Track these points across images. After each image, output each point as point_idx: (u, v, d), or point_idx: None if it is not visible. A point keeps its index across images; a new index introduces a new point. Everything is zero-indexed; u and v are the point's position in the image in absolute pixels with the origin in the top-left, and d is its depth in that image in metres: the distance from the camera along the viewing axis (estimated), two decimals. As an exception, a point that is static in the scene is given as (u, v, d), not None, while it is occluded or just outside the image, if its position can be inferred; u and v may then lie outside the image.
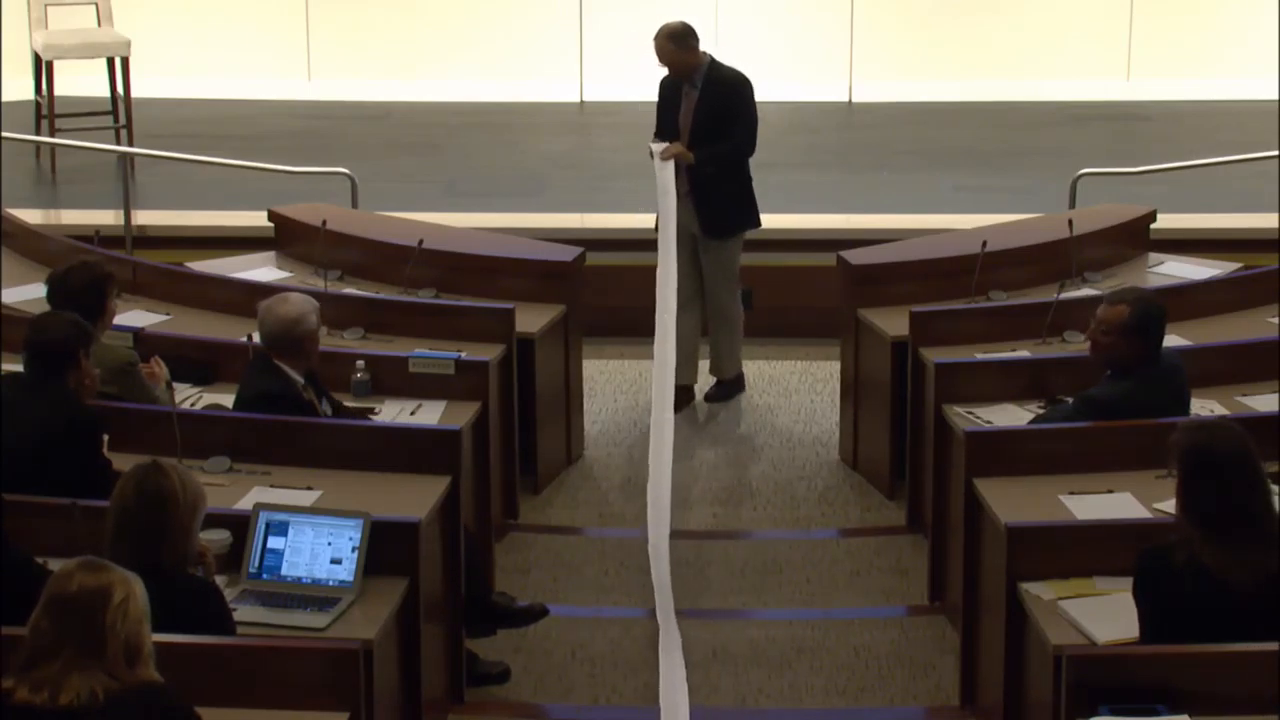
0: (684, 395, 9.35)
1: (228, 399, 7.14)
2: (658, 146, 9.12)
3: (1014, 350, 7.90)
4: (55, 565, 4.51)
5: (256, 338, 7.00)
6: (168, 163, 11.44)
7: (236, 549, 5.87)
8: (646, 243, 9.87)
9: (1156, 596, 5.14)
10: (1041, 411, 7.15)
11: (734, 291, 9.48)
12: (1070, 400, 6.98)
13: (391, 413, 7.39)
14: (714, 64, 9.20)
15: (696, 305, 9.33)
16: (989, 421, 7.17)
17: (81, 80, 12.38)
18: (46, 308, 6.87)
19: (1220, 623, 5.06)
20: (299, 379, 6.86)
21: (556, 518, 8.40)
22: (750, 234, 9.52)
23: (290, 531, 5.87)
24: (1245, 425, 5.37)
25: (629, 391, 9.74)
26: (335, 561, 5.82)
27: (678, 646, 6.30)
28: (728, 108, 9.16)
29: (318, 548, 5.84)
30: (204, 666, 5.09)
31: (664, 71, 9.25)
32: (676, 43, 9.11)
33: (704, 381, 9.67)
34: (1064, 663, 5.23)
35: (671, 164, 9.05)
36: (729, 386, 9.65)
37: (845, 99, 13.93)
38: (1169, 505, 5.59)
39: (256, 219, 9.69)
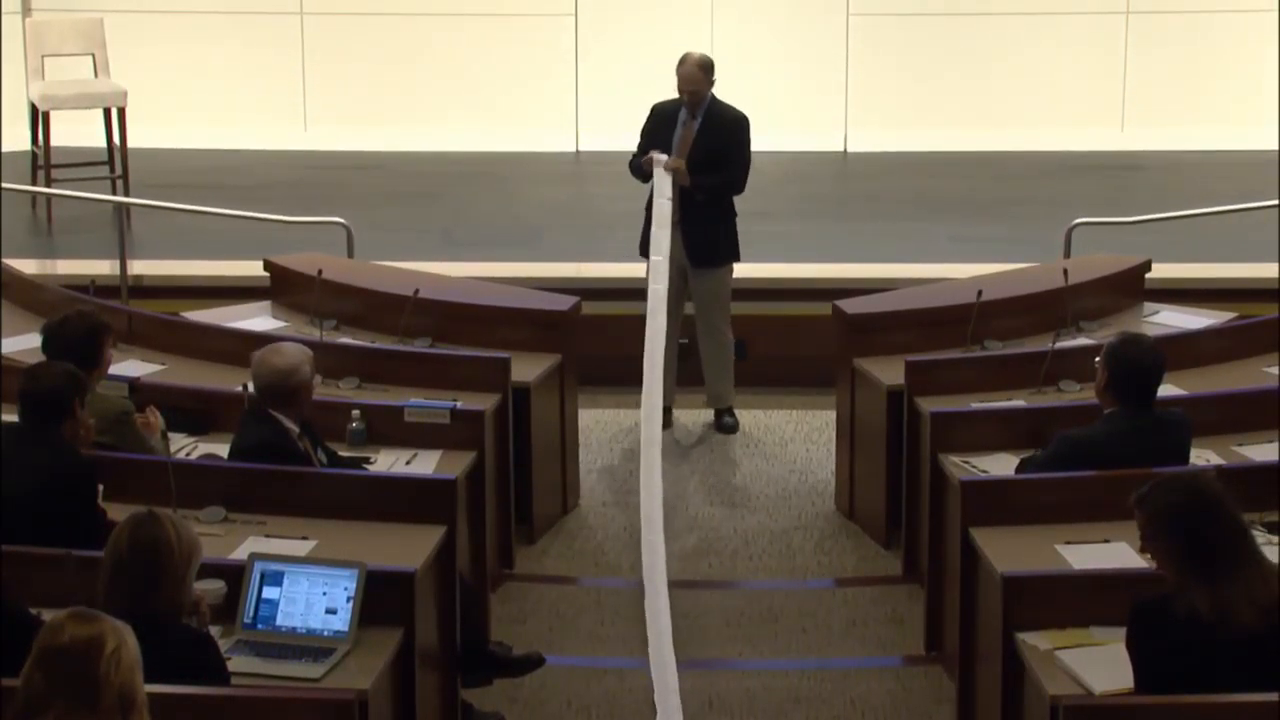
0: (664, 417, 9.49)
1: (223, 449, 7.13)
2: (660, 157, 9.31)
3: (1009, 399, 7.90)
4: (50, 616, 4.49)
5: (252, 387, 6.99)
6: (164, 213, 11.45)
7: (231, 599, 5.85)
8: (642, 292, 9.88)
9: (1152, 648, 5.12)
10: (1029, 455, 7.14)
11: (728, 320, 9.74)
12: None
13: (387, 462, 7.38)
14: (715, 99, 9.52)
15: (674, 329, 9.40)
16: (985, 471, 7.17)
17: (78, 130, 12.40)
18: (42, 358, 6.86)
19: (1217, 672, 5.05)
20: (294, 428, 6.85)
21: (552, 567, 8.38)
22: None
23: (285, 581, 5.86)
24: (1243, 475, 5.37)
25: (625, 440, 9.73)
26: (330, 611, 5.81)
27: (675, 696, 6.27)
28: (726, 144, 9.49)
29: (313, 598, 5.83)
30: (199, 717, 5.08)
31: (660, 96, 9.52)
32: (706, 71, 9.50)
33: (704, 417, 9.74)
34: (1061, 713, 5.23)
35: (670, 180, 9.23)
36: (732, 413, 9.85)
37: (841, 148, 13.97)
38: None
39: (252, 269, 9.70)
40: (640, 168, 9.53)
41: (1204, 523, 5.10)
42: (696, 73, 9.46)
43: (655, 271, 8.91)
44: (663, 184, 9.29)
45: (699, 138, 9.45)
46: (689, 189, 9.37)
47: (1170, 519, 5.14)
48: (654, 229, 9.14)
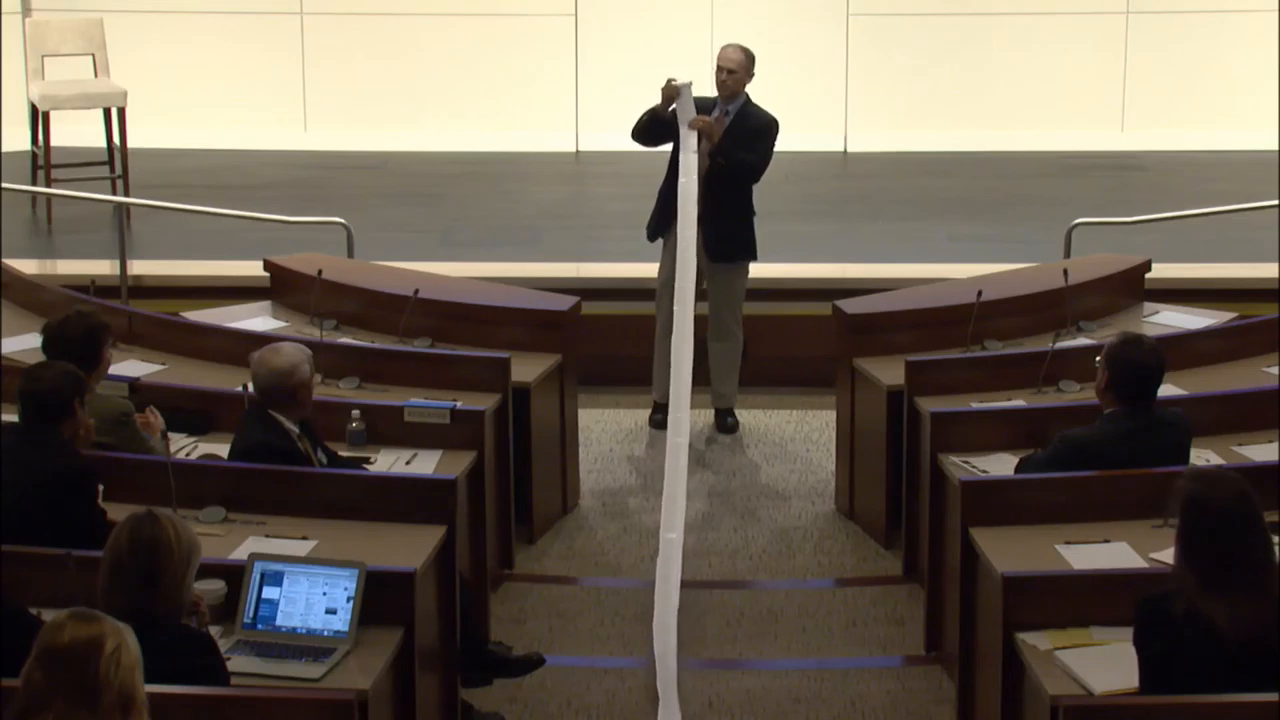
0: (664, 416, 9.50)
1: (223, 449, 7.13)
2: (687, 88, 9.26)
3: (1009, 399, 7.90)
4: (50, 616, 4.50)
5: (251, 388, 6.99)
6: (164, 213, 11.45)
7: (231, 599, 5.85)
8: (642, 292, 9.91)
9: (1156, 646, 5.12)
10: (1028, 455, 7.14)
11: (739, 322, 9.69)
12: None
13: (386, 462, 7.38)
14: (749, 100, 9.50)
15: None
16: (985, 471, 7.17)
17: (78, 130, 12.40)
18: (42, 358, 6.86)
19: (1217, 673, 5.04)
20: (294, 429, 6.85)
21: (552, 567, 8.38)
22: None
23: (285, 581, 5.86)
24: (1243, 475, 5.36)
25: (624, 441, 9.73)
26: (330, 611, 5.81)
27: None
28: (752, 142, 9.43)
29: (313, 598, 5.83)
30: (198, 717, 5.08)
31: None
32: (747, 56, 9.47)
33: (705, 417, 9.75)
34: (1060, 713, 5.22)
35: (695, 138, 9.18)
36: (733, 413, 9.84)
37: (841, 149, 13.97)
38: (1165, 555, 5.59)
39: (252, 269, 9.70)
40: (649, 123, 9.38)
41: (1229, 530, 5.08)
42: (737, 53, 9.42)
43: (684, 218, 8.88)
44: (688, 139, 9.20)
45: (730, 129, 9.41)
46: (713, 152, 9.28)
47: (1192, 514, 5.13)
48: (681, 178, 9.05)
